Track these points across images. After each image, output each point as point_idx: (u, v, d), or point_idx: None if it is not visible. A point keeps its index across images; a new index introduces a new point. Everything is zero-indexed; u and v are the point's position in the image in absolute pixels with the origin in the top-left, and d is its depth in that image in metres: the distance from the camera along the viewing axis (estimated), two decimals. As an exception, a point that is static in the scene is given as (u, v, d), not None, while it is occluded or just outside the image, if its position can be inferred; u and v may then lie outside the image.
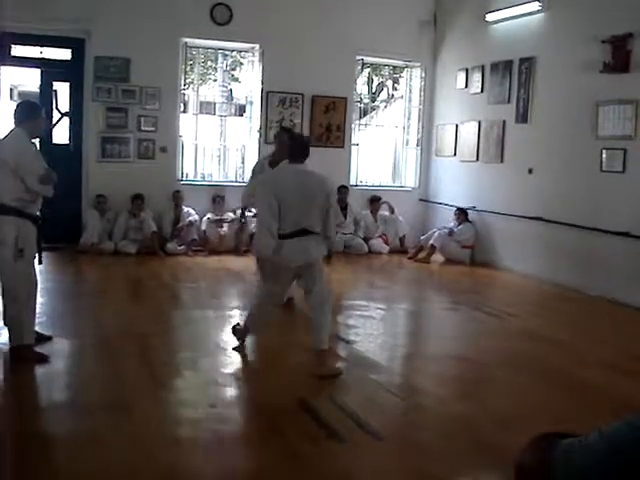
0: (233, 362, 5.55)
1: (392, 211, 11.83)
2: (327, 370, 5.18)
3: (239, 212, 9.46)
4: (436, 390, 5.07)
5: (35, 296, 5.30)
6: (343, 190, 10.92)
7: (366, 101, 14.05)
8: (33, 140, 5.33)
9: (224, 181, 11.69)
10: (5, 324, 5.25)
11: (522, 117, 9.98)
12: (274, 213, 5.09)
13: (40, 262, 5.39)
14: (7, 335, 5.19)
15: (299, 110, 11.50)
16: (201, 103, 12.47)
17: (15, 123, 5.25)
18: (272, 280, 5.47)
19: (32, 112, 5.31)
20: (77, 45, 10.41)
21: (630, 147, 8.16)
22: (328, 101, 11.64)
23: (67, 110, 10.71)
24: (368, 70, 13.63)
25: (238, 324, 5.91)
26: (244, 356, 5.75)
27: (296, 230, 5.15)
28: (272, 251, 5.12)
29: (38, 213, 5.36)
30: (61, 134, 10.76)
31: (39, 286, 5.40)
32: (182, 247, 10.58)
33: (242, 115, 12.49)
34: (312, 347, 5.26)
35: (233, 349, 5.65)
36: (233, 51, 12.61)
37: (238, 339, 5.73)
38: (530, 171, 9.83)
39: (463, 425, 4.32)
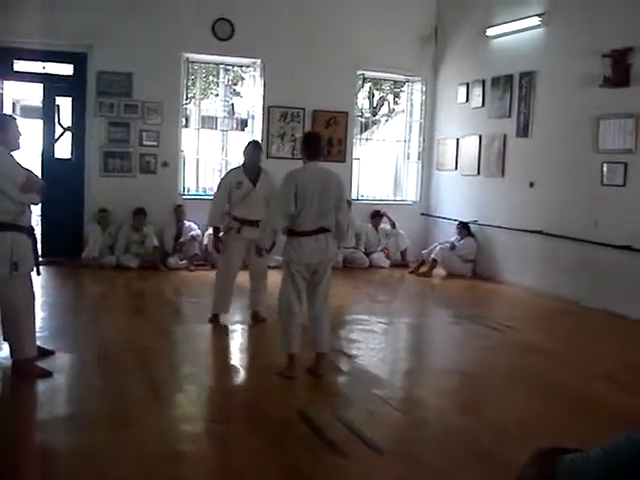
0: (235, 377, 5.54)
1: (393, 225, 11.84)
2: (322, 369, 5.44)
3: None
4: (437, 404, 5.06)
5: (33, 309, 5.29)
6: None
7: (367, 115, 14.08)
8: (13, 153, 5.19)
9: (226, 195, 11.68)
10: (5, 339, 5.25)
11: (523, 131, 10.01)
12: (285, 213, 5.26)
13: (38, 274, 5.37)
14: (8, 349, 5.19)
15: (300, 125, 11.53)
16: (203, 118, 12.49)
17: None
18: (291, 288, 5.44)
19: (1, 126, 5.12)
20: (79, 60, 10.48)
21: (631, 161, 8.18)
22: (329, 115, 11.68)
23: (69, 125, 10.75)
24: (369, 85, 13.69)
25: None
26: (245, 371, 5.75)
27: (315, 229, 5.28)
28: (272, 243, 5.47)
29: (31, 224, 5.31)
30: (63, 149, 10.79)
31: (40, 300, 5.39)
32: (184, 262, 10.58)
33: (244, 130, 12.51)
34: (310, 347, 5.48)
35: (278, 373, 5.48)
36: (235, 66, 12.63)
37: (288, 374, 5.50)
38: (531, 185, 9.85)
39: (464, 439, 4.31)
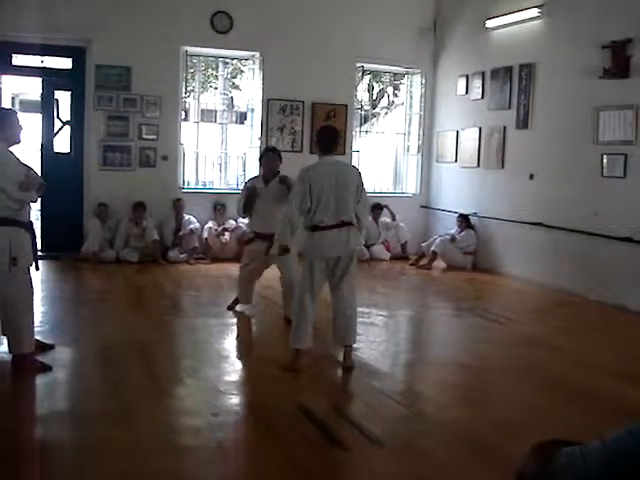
0: (235, 370, 5.54)
1: (393, 218, 11.83)
2: (350, 363, 5.49)
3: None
4: (438, 397, 5.06)
5: (32, 303, 5.29)
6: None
7: (367, 108, 14.07)
8: (13, 148, 5.18)
9: (225, 189, 11.70)
10: (4, 333, 5.25)
11: (523, 123, 10.00)
12: (301, 209, 5.29)
13: (37, 268, 5.37)
14: (7, 344, 5.19)
15: (300, 117, 11.52)
16: (202, 111, 12.49)
17: None
18: (308, 284, 5.45)
19: (1, 121, 5.12)
20: (78, 54, 10.45)
21: (631, 152, 8.16)
22: (329, 108, 11.65)
23: (68, 119, 10.74)
24: (368, 77, 13.67)
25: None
26: (245, 364, 5.75)
27: (335, 223, 5.29)
28: (302, 245, 5.46)
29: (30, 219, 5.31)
30: (63, 143, 10.78)
31: (40, 294, 5.39)
32: (183, 255, 10.58)
33: (243, 123, 12.51)
34: (338, 342, 5.57)
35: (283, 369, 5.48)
36: (234, 59, 12.64)
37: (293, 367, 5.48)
38: (531, 177, 9.83)
39: (465, 432, 4.31)
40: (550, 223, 9.38)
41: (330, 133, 5.60)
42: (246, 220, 8.56)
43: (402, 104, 13.32)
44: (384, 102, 20.32)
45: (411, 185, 12.69)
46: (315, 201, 5.27)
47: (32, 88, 13.93)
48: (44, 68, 10.71)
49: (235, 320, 7.22)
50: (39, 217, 10.19)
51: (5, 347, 5.25)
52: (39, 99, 10.84)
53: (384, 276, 10.58)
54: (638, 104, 8.03)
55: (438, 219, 12.10)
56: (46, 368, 5.13)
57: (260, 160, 7.38)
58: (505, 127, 10.37)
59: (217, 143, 12.43)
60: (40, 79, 10.66)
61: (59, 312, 7.21)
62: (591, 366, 5.85)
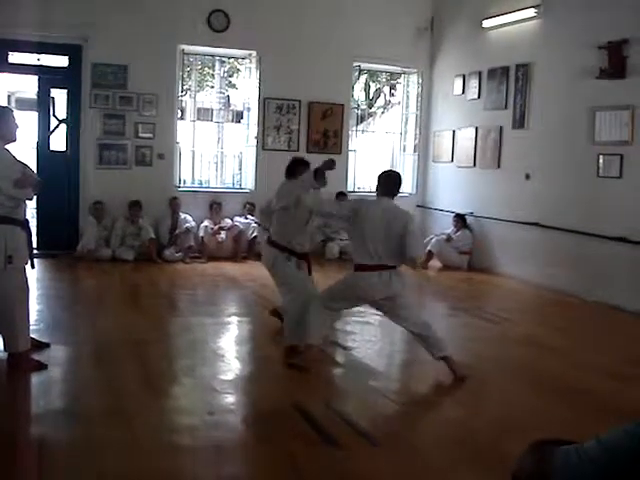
0: (231, 369, 5.54)
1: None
2: (460, 373, 5.34)
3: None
4: (433, 396, 5.07)
5: (28, 302, 5.28)
6: (341, 197, 10.92)
7: (363, 107, 14.11)
8: (9, 146, 5.17)
9: (221, 188, 11.70)
10: (-2, 332, 5.24)
11: (519, 123, 10.01)
12: (339, 216, 5.36)
13: (32, 267, 5.36)
14: (2, 342, 5.18)
15: (296, 116, 11.52)
16: (198, 110, 12.48)
17: None
18: (339, 299, 5.45)
19: None
20: (74, 52, 10.42)
21: (626, 152, 8.18)
22: (325, 107, 11.66)
23: (64, 117, 10.71)
24: (365, 76, 13.68)
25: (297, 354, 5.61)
26: (241, 363, 5.75)
27: (378, 264, 5.19)
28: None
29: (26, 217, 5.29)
30: (58, 141, 10.75)
31: (36, 293, 5.37)
32: (179, 254, 10.57)
33: (239, 122, 12.51)
34: (437, 353, 5.43)
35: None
36: (230, 58, 12.62)
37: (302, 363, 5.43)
38: (527, 177, 9.85)
39: (460, 431, 4.31)
40: (546, 223, 9.39)
41: (399, 181, 5.48)
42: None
43: (398, 104, 13.34)
44: (381, 102, 20.31)
45: (407, 185, 12.67)
46: (362, 235, 5.23)
47: (28, 86, 13.90)
48: (40, 66, 10.70)
49: (231, 319, 7.22)
50: (35, 215, 10.17)
51: (0, 346, 5.24)
52: (35, 97, 10.82)
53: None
54: (634, 104, 8.04)
55: (434, 219, 12.10)
56: (42, 367, 5.11)
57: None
58: (501, 127, 10.38)
59: (213, 142, 12.45)
60: (36, 77, 10.63)
61: (55, 310, 7.19)
62: (586, 366, 5.86)
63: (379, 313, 7.67)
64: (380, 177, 5.44)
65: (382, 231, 5.15)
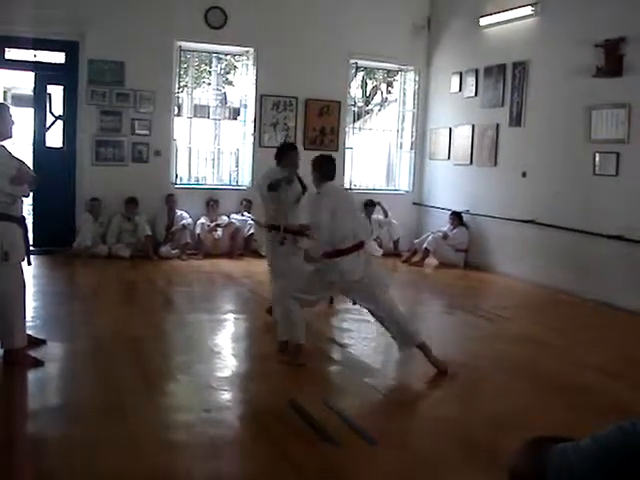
0: (227, 366, 5.54)
1: (386, 214, 11.83)
2: (442, 365, 5.35)
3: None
4: (430, 394, 5.08)
5: (24, 298, 5.27)
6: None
7: (360, 105, 14.09)
8: (5, 142, 5.16)
9: (218, 185, 11.69)
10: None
11: (516, 121, 10.01)
12: (326, 225, 5.32)
13: (29, 263, 5.35)
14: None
15: (293, 113, 11.51)
16: (195, 106, 12.45)
17: None
18: (311, 290, 5.48)
19: None
20: (71, 48, 10.40)
21: (623, 151, 8.19)
22: (322, 104, 11.65)
23: (61, 113, 10.69)
24: (362, 74, 13.67)
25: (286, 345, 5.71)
26: (238, 360, 5.75)
27: (354, 244, 5.32)
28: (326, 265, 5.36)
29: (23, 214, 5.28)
30: (55, 137, 10.73)
31: (32, 289, 5.37)
32: (176, 251, 10.56)
33: (236, 119, 12.48)
34: (404, 348, 5.46)
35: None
36: (227, 54, 12.61)
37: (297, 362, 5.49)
38: (524, 174, 9.86)
39: (457, 429, 4.32)
40: (542, 221, 9.40)
41: (334, 163, 5.65)
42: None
43: (395, 101, 13.32)
44: (377, 99, 20.31)
45: (404, 182, 12.70)
46: (337, 222, 5.31)
47: (25, 82, 13.86)
48: (37, 62, 10.66)
49: (227, 316, 7.22)
50: (31, 212, 10.15)
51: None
52: (31, 93, 10.79)
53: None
54: (631, 103, 8.05)
55: (431, 216, 12.11)
56: (38, 363, 5.11)
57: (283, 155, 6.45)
58: (498, 125, 10.39)
59: (210, 139, 12.41)
60: (33, 73, 10.59)
61: (51, 307, 7.18)
62: (582, 363, 5.87)
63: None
64: (322, 163, 5.57)
65: (351, 211, 5.53)
